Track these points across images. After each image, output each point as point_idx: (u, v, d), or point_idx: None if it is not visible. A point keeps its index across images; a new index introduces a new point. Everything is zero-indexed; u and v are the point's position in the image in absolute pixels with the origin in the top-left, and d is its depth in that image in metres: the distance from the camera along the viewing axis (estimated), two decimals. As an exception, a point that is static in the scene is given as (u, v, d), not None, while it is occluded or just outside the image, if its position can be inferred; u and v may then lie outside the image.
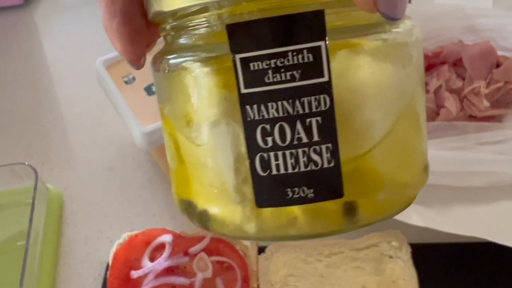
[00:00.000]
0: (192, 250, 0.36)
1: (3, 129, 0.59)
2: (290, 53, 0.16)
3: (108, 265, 0.38)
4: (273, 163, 0.17)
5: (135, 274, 0.36)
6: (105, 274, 0.39)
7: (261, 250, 0.38)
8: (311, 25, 0.16)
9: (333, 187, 0.17)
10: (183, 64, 0.18)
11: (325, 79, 0.16)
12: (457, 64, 0.48)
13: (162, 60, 0.20)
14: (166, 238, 0.37)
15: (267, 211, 0.18)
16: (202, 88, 0.18)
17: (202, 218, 0.20)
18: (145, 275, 0.35)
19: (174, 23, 0.19)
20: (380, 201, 0.19)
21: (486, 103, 0.45)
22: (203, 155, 0.19)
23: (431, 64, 0.48)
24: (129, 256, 0.37)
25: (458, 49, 0.48)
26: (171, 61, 0.19)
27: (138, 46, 0.20)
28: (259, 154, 0.17)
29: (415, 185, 0.20)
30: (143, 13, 0.20)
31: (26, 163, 0.45)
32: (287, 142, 0.17)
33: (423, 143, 0.21)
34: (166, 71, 0.19)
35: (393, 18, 0.16)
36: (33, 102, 0.64)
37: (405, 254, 0.37)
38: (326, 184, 0.17)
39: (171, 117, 0.20)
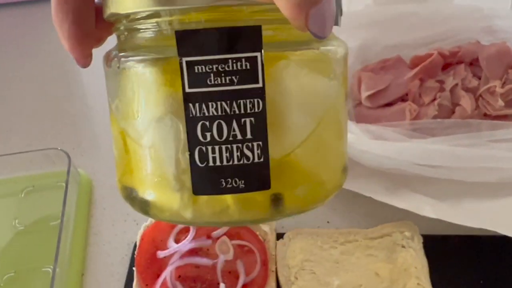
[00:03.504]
0: (214, 233, 0.38)
1: (37, 117, 0.62)
2: (230, 60, 0.18)
3: (135, 245, 0.40)
4: (210, 155, 0.19)
5: (161, 254, 0.38)
6: (132, 254, 0.41)
7: (279, 236, 0.40)
8: (250, 38, 0.18)
9: (262, 180, 0.20)
10: (134, 62, 0.20)
11: (259, 85, 0.19)
12: (473, 63, 0.49)
13: (114, 57, 0.21)
14: (190, 222, 0.40)
15: (203, 199, 0.20)
16: (149, 86, 0.20)
17: (143, 204, 0.22)
18: (171, 255, 0.37)
19: (128, 24, 0.21)
20: (302, 194, 0.21)
21: (501, 102, 0.46)
22: (147, 147, 0.21)
23: (448, 63, 0.49)
24: (155, 238, 0.39)
25: (475, 49, 0.49)
26: (123, 59, 0.20)
27: (86, 46, 0.22)
28: (198, 147, 0.19)
29: (333, 183, 0.23)
30: (95, 13, 0.21)
31: (59, 148, 0.48)
32: (223, 138, 0.19)
33: (343, 147, 0.24)
34: (117, 67, 0.21)
35: (320, 37, 0.18)
36: (64, 93, 0.67)
37: (417, 244, 0.38)
38: (256, 177, 0.20)
39: (119, 111, 0.22)
